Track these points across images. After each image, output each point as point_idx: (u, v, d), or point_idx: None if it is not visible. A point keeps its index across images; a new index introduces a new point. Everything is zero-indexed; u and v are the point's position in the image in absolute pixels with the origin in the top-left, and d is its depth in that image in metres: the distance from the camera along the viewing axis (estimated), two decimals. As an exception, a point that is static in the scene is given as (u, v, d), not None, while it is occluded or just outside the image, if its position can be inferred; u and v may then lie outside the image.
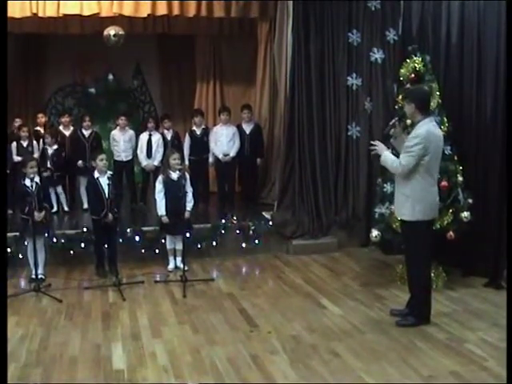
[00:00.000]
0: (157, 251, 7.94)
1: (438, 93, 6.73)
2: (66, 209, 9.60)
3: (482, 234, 6.88)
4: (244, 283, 7.19)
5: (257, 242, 8.37)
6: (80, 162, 9.56)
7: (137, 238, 7.95)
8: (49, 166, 9.39)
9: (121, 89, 12.64)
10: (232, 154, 9.57)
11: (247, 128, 9.75)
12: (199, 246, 8.13)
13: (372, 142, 5.90)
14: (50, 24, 9.63)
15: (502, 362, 4.76)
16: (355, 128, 8.65)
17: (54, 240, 7.74)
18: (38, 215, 6.87)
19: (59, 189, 9.58)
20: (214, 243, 8.23)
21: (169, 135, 10.00)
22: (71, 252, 7.80)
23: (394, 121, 5.78)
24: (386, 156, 5.64)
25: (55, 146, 9.51)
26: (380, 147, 5.74)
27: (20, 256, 7.45)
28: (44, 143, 9.56)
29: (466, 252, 7.03)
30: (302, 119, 8.60)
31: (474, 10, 7.00)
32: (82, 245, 7.80)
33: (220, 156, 9.58)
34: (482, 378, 4.64)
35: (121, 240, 7.79)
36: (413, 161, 5.40)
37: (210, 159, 9.75)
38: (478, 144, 7.03)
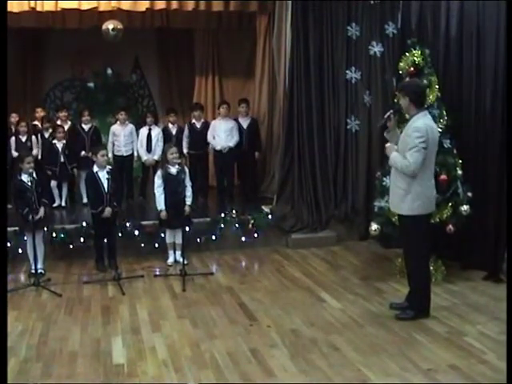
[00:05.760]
0: (156, 245, 7.95)
1: (437, 86, 6.73)
2: (63, 204, 9.59)
3: (481, 228, 6.88)
4: (243, 277, 7.20)
5: (256, 235, 8.38)
6: (83, 152, 9.56)
7: (136, 233, 7.95)
8: (62, 160, 9.40)
9: (119, 83, 12.64)
10: (231, 144, 9.53)
11: (244, 122, 9.74)
12: (198, 240, 8.14)
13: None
14: (49, 18, 9.59)
15: (501, 356, 4.78)
16: (354, 121, 8.64)
17: (54, 234, 7.74)
18: (37, 214, 6.87)
19: (65, 184, 9.60)
20: (214, 237, 8.24)
21: (174, 129, 10.01)
22: (71, 246, 7.81)
23: (388, 113, 5.75)
24: (395, 158, 5.56)
25: (64, 141, 9.49)
26: (388, 149, 5.71)
27: (19, 251, 7.46)
28: (52, 138, 9.51)
29: (465, 245, 7.05)
30: (301, 113, 8.60)
31: (473, 3, 6.98)
32: (82, 239, 7.81)
33: (218, 147, 9.55)
34: (481, 371, 4.64)
35: (120, 234, 7.80)
36: (420, 156, 5.37)
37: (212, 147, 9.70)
38: (478, 137, 7.02)
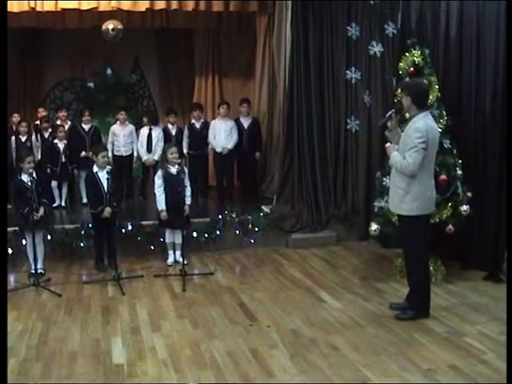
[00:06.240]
0: (156, 245, 7.94)
1: (436, 86, 6.72)
2: (63, 204, 9.59)
3: (481, 228, 6.89)
4: (243, 277, 7.20)
5: (256, 235, 8.37)
6: (84, 152, 9.55)
7: (136, 233, 7.94)
8: (63, 160, 9.41)
9: (119, 83, 12.66)
10: (230, 146, 9.55)
11: (245, 122, 9.76)
12: (198, 240, 8.13)
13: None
14: (49, 18, 9.59)
15: (500, 356, 4.78)
16: (354, 122, 8.64)
17: (53, 235, 7.73)
18: (37, 214, 6.87)
19: (65, 184, 9.60)
20: (214, 237, 8.23)
21: (173, 130, 10.01)
22: (71, 246, 7.80)
23: (390, 113, 5.75)
24: (395, 157, 5.56)
25: (65, 141, 9.49)
26: (388, 148, 5.72)
27: (19, 251, 7.45)
28: (53, 137, 9.51)
29: (465, 245, 7.05)
30: (301, 113, 8.60)
31: (473, 3, 6.98)
32: (82, 239, 7.80)
33: (218, 149, 9.58)
34: (481, 371, 4.64)
35: (120, 234, 7.78)
36: (419, 156, 5.36)
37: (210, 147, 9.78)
38: (477, 137, 7.01)
